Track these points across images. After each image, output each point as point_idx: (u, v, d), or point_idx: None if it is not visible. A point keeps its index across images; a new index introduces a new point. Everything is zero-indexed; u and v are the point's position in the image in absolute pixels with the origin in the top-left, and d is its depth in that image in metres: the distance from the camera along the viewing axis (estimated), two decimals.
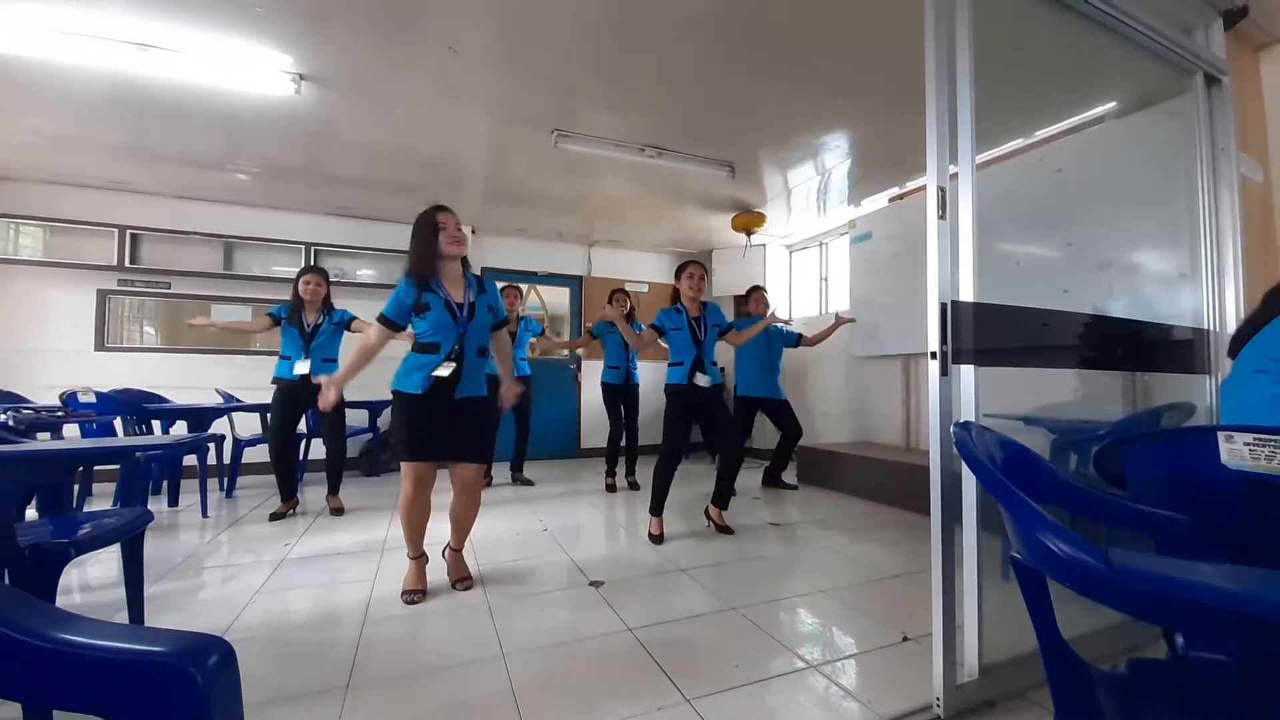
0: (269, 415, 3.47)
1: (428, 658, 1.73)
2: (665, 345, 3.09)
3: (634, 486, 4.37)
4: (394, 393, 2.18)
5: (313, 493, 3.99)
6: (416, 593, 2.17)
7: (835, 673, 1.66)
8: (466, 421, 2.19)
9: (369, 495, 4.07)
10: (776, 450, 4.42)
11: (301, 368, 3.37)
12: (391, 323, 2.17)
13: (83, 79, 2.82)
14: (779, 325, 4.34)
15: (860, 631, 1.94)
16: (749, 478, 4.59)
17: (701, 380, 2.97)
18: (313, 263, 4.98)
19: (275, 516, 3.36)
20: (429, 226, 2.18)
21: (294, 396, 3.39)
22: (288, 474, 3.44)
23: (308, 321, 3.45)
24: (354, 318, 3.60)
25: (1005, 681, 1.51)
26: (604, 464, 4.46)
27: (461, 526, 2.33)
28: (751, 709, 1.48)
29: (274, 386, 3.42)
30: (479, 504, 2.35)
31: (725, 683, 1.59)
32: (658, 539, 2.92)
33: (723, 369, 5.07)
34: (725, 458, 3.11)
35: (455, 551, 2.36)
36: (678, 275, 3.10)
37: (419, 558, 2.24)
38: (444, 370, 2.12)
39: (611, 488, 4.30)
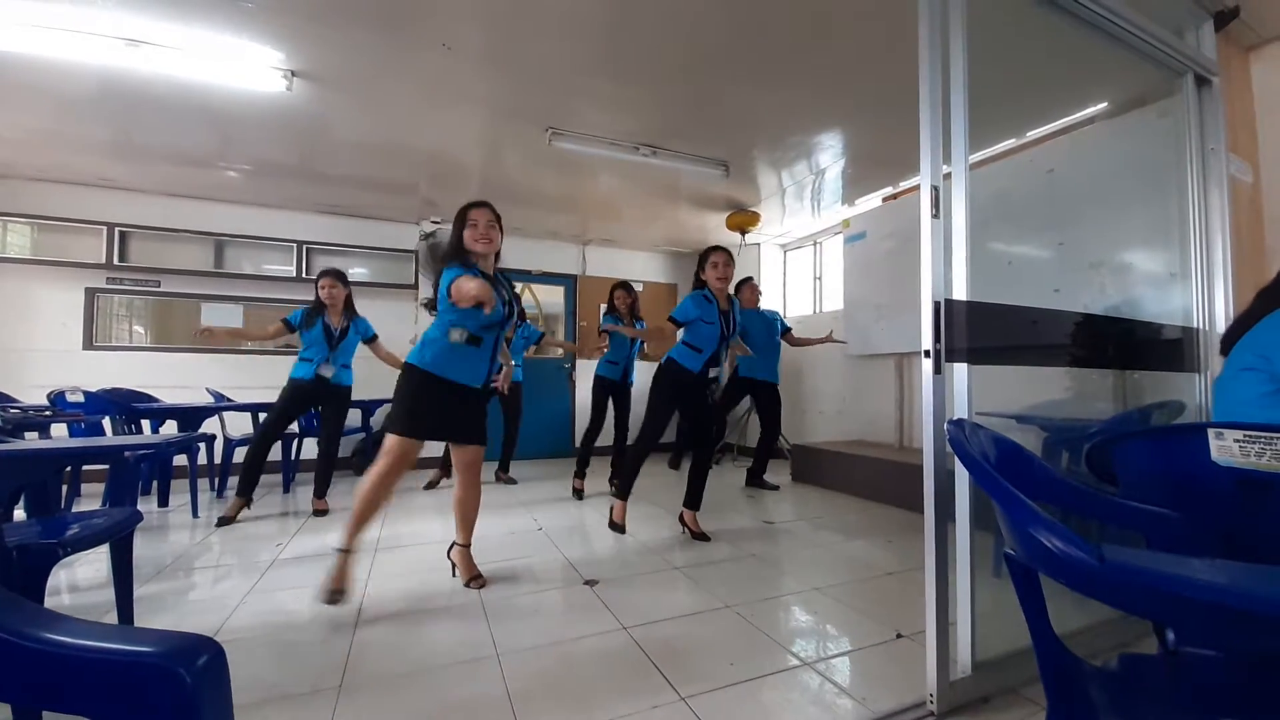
0: (272, 410, 3.38)
1: (422, 658, 1.72)
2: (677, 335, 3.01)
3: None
4: (412, 367, 2.11)
5: (303, 492, 3.97)
6: (338, 592, 2.01)
7: (829, 670, 1.67)
8: (472, 406, 2.21)
9: None
10: (757, 449, 4.35)
11: (326, 370, 3.37)
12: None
13: (71, 75, 2.78)
14: (774, 312, 4.44)
15: (854, 629, 1.95)
16: (737, 476, 4.59)
17: (713, 372, 2.93)
18: (305, 261, 4.96)
19: (226, 520, 3.17)
20: (459, 221, 2.18)
21: (304, 397, 3.39)
22: (259, 469, 3.32)
23: (333, 325, 3.42)
24: (375, 336, 3.62)
25: (998, 678, 1.52)
26: (593, 464, 4.21)
27: (467, 516, 2.32)
28: (746, 707, 1.48)
29: (289, 383, 3.38)
30: (481, 490, 2.34)
31: (720, 680, 1.59)
32: (620, 527, 2.86)
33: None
34: (700, 452, 3.00)
35: (464, 548, 2.35)
36: (701, 264, 2.94)
37: (351, 551, 2.07)
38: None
39: (580, 492, 3.99)
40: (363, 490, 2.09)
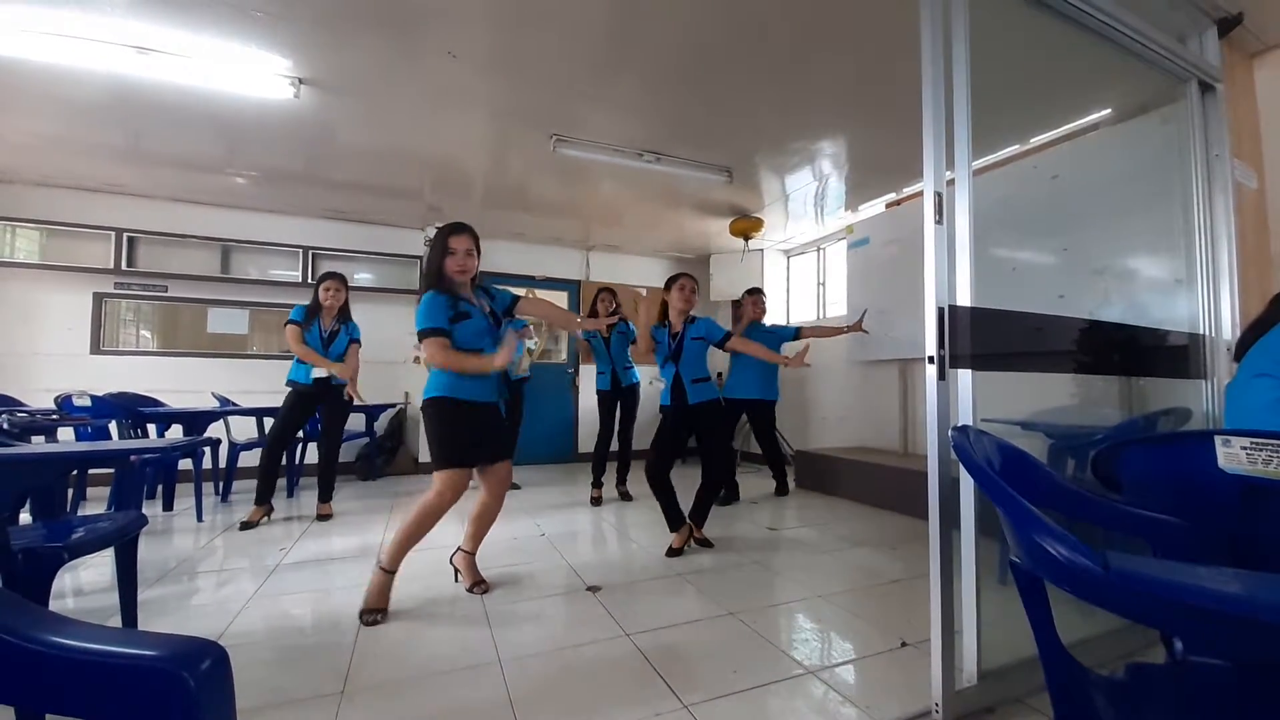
0: (277, 418, 3.43)
1: (424, 664, 1.71)
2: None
3: (625, 497, 4.13)
4: (432, 399, 2.11)
5: (308, 496, 3.98)
6: (379, 612, 2.02)
7: (833, 678, 1.66)
8: (498, 421, 2.23)
9: (365, 500, 4.05)
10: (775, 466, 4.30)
11: (320, 371, 3.38)
12: (443, 331, 2.06)
13: (81, 82, 2.82)
14: (775, 325, 4.30)
15: (858, 637, 1.93)
16: (754, 485, 4.57)
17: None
18: (311, 266, 4.99)
19: (247, 525, 3.19)
20: (440, 248, 2.17)
21: (307, 401, 3.41)
22: (274, 476, 3.36)
23: (324, 327, 3.44)
24: (358, 341, 3.60)
25: (1004, 687, 1.51)
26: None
27: (482, 527, 2.33)
28: (749, 715, 1.47)
29: (288, 389, 3.41)
30: (502, 504, 2.35)
31: (723, 689, 1.58)
32: (677, 551, 2.78)
33: (719, 374, 5.06)
34: (713, 474, 2.92)
35: (469, 555, 2.35)
36: (668, 287, 3.01)
37: (393, 573, 2.11)
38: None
39: (597, 500, 4.01)
40: (415, 517, 2.08)
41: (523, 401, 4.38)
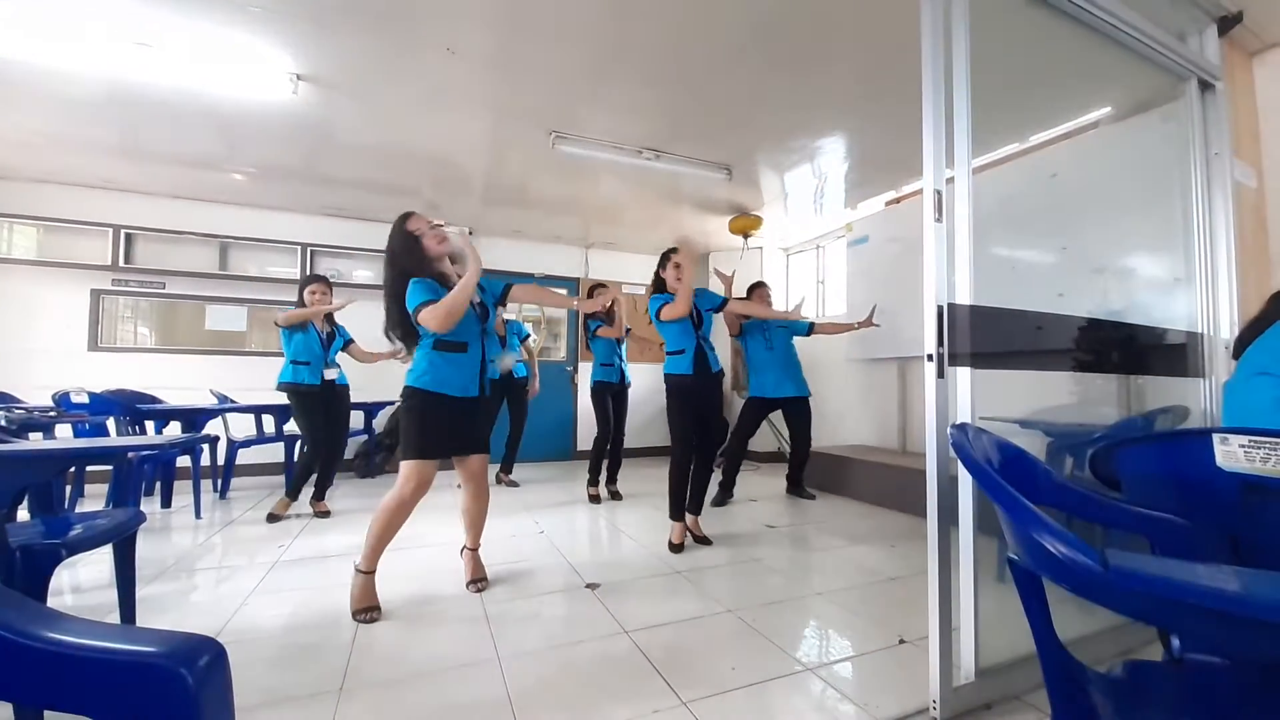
0: (303, 421, 3.44)
1: (422, 661, 1.71)
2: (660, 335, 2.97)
3: (616, 496, 4.09)
4: (413, 390, 2.08)
5: (306, 493, 3.96)
6: (373, 609, 2.01)
7: (831, 675, 1.66)
8: (475, 415, 2.20)
9: (364, 497, 4.05)
10: (791, 459, 4.16)
11: (331, 373, 3.45)
12: (434, 300, 2.01)
13: (79, 78, 2.80)
14: (787, 320, 4.09)
15: (857, 634, 1.94)
16: (754, 483, 4.58)
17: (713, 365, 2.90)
18: (309, 264, 4.99)
19: (274, 518, 3.34)
20: (408, 238, 2.13)
21: (319, 402, 3.42)
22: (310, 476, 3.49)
23: (320, 329, 3.47)
24: (352, 340, 3.68)
25: (1002, 684, 1.51)
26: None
27: (476, 523, 2.33)
28: (748, 712, 1.47)
29: (293, 391, 3.35)
30: (489, 496, 2.34)
31: (721, 685, 1.58)
32: (678, 547, 2.79)
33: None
34: (703, 457, 2.91)
35: (473, 552, 2.35)
36: (662, 264, 2.94)
37: (372, 573, 2.08)
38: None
39: (595, 498, 4.01)
40: (382, 515, 2.07)
41: (526, 399, 4.44)
